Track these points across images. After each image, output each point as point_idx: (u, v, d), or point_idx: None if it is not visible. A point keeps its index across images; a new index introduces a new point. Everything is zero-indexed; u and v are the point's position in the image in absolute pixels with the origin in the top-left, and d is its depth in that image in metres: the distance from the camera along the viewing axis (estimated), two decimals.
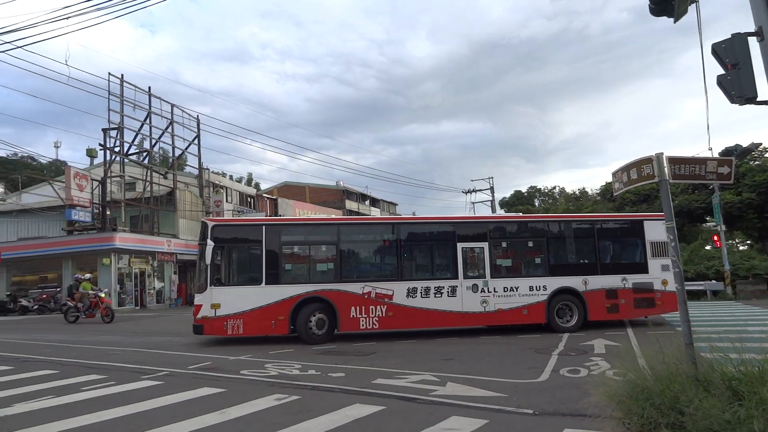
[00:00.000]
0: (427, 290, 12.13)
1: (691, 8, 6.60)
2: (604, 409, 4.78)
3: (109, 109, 30.64)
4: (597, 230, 13.49)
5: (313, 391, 6.87)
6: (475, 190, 44.06)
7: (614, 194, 7.64)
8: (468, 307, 12.25)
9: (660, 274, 13.33)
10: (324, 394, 6.71)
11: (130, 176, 34.15)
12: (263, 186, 65.89)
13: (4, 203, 34.63)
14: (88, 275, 22.20)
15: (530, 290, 12.59)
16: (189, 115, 36.90)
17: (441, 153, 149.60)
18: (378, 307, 11.82)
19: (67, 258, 29.64)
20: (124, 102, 31.50)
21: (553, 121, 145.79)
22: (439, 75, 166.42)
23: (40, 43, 57.86)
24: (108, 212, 31.28)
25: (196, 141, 36.99)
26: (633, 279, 13.14)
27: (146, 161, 34.92)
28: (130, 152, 33.80)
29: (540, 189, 68.19)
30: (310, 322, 11.54)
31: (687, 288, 6.05)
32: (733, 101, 5.72)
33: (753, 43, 5.67)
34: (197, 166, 37.68)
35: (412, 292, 12.03)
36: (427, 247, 13.16)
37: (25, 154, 67.55)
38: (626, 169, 6.08)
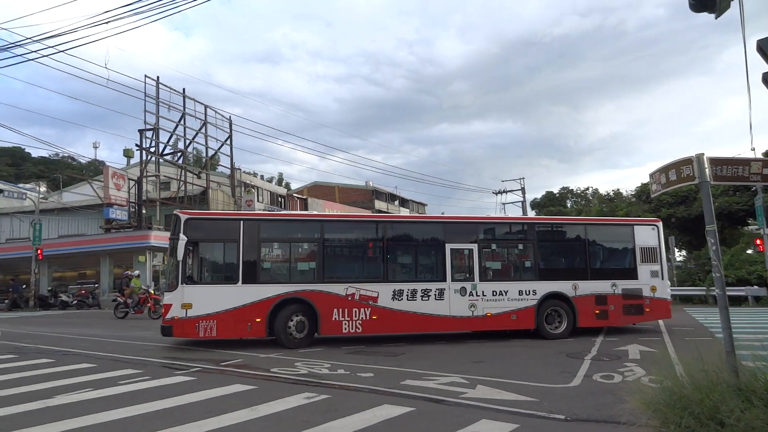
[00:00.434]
0: (413, 293, 11.58)
1: (734, 3, 6.37)
2: (639, 417, 4.67)
3: (145, 111, 31.44)
4: (587, 234, 13.13)
5: (342, 391, 6.91)
6: (505, 191, 43.52)
7: (651, 196, 7.45)
8: (456, 311, 11.76)
9: (649, 280, 13.04)
10: (353, 394, 6.74)
11: (165, 176, 34.97)
12: (293, 186, 66.59)
13: (46, 201, 35.87)
14: (137, 272, 22.83)
15: (519, 294, 12.17)
16: (222, 115, 37.55)
17: (471, 153, 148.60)
18: (362, 309, 11.24)
19: (105, 255, 30.54)
20: (160, 103, 32.23)
21: (587, 120, 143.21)
22: (470, 74, 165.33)
23: (80, 48, 59.76)
24: (144, 211, 32.10)
25: (228, 141, 37.60)
26: (622, 285, 12.83)
27: (180, 161, 35.69)
28: (165, 152, 34.60)
29: (572, 190, 66.98)
30: (290, 324, 10.88)
31: (728, 293, 5.83)
32: None
33: None
34: (229, 166, 38.31)
35: (397, 295, 11.49)
36: (415, 248, 12.57)
37: (66, 155, 70.03)
38: (665, 170, 5.91)
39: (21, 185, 40.02)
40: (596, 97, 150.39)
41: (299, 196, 48.86)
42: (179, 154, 36.42)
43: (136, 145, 32.78)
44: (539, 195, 67.88)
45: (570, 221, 14.39)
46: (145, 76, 31.58)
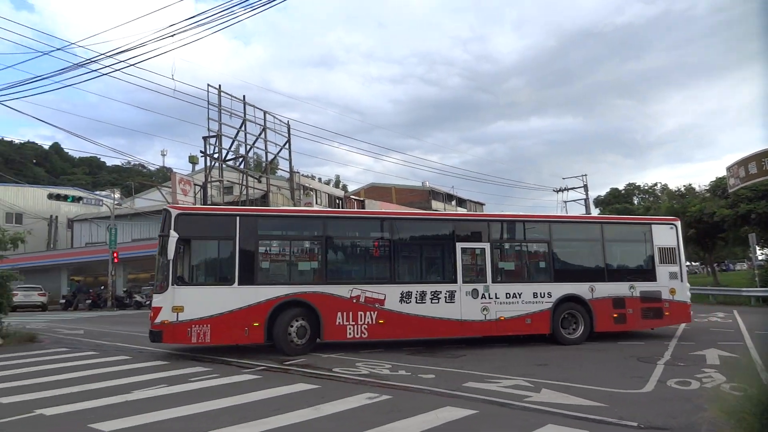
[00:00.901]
0: (422, 295, 10.83)
1: None
2: (720, 426, 4.39)
3: (208, 118, 32.73)
4: (605, 233, 12.37)
5: (404, 392, 6.91)
6: (567, 189, 42.22)
7: (728, 191, 6.99)
8: (467, 315, 11.01)
9: (668, 282, 12.33)
10: (414, 395, 6.72)
11: (227, 180, 36.28)
12: (350, 188, 67.43)
13: (120, 207, 38.08)
14: None
15: (534, 297, 11.44)
16: (280, 120, 38.50)
17: (530, 150, 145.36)
18: (368, 313, 10.46)
19: None
20: (222, 111, 33.47)
21: (655, 112, 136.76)
22: (526, 69, 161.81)
23: (148, 61, 63.05)
24: None
25: (287, 145, 38.53)
26: (641, 287, 12.11)
27: (242, 166, 36.91)
28: (227, 158, 35.88)
29: (639, 186, 64.01)
30: (290, 329, 10.07)
31: None
32: None
33: None
34: (288, 170, 39.25)
35: (406, 297, 10.73)
36: (424, 247, 11.92)
37: (137, 163, 74.05)
38: (744, 162, 5.55)
39: (97, 192, 42.78)
40: (663, 87, 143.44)
41: (356, 197, 49.41)
42: (241, 159, 37.66)
43: (201, 151, 34.18)
44: (603, 192, 65.41)
45: (586, 219, 13.62)
46: (208, 85, 32.88)
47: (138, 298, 29.33)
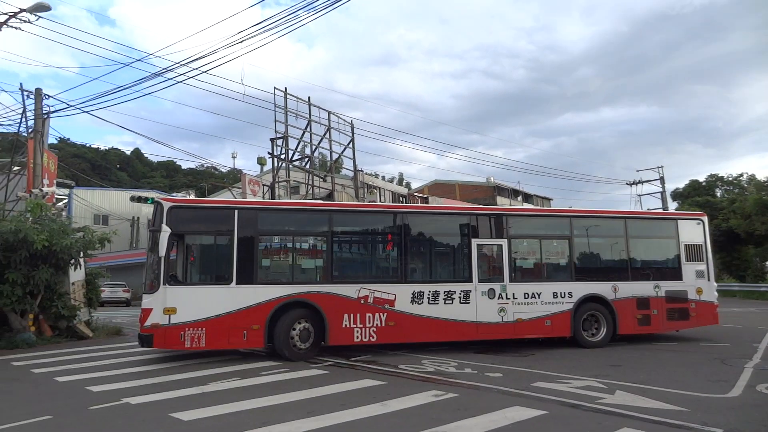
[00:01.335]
0: (435, 295, 10.10)
1: None
2: None
3: (275, 121, 33.73)
4: (628, 229, 11.58)
5: (471, 390, 6.83)
6: (641, 182, 40.23)
7: None
8: (483, 317, 10.28)
9: (694, 281, 11.58)
10: (481, 394, 6.64)
11: (294, 180, 37.26)
12: (414, 185, 67.48)
13: None
14: None
15: (554, 297, 10.72)
16: (344, 120, 39.06)
17: (600, 142, 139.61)
18: (376, 314, 9.74)
19: None
20: (288, 112, 34.41)
21: (739, 97, 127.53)
22: (596, 58, 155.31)
23: (219, 67, 65.94)
24: None
25: (350, 145, 39.09)
26: (666, 286, 11.34)
27: (308, 166, 37.81)
28: (293, 158, 36.88)
29: (722, 177, 59.78)
30: (293, 332, 9.34)
31: None
32: None
33: None
34: (352, 169, 39.80)
35: (417, 297, 10.01)
36: (437, 243, 11.14)
37: (209, 165, 77.61)
38: None
39: (174, 194, 45.15)
40: (749, 71, 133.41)
41: (420, 195, 49.35)
42: (306, 159, 38.60)
43: (268, 153, 35.27)
44: (681, 184, 61.68)
45: (609, 214, 12.67)
46: (275, 88, 33.88)
47: None
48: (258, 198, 33.02)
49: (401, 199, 44.73)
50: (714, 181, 58.92)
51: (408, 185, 67.64)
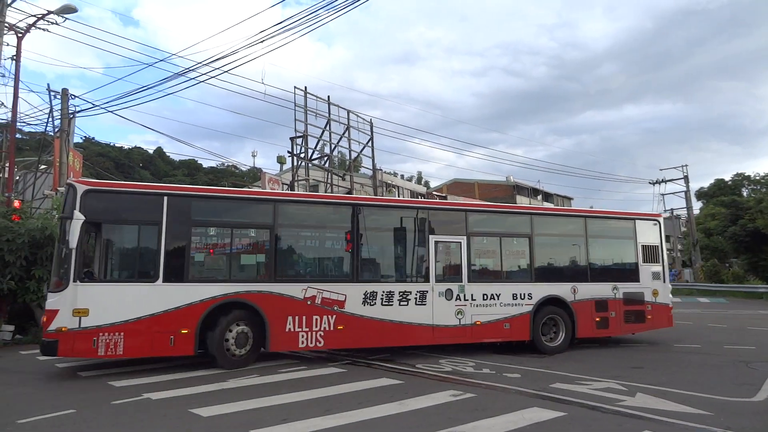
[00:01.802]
0: (389, 296, 9.33)
1: None
2: None
3: (295, 120, 33.93)
4: (588, 228, 11.17)
5: (488, 390, 6.80)
6: (664, 180, 39.55)
7: None
8: (440, 319, 9.58)
9: (651, 282, 11.33)
10: (499, 394, 6.60)
11: (313, 179, 37.44)
12: (433, 184, 67.29)
13: None
14: None
15: (513, 299, 10.16)
16: (363, 119, 39.04)
17: (623, 140, 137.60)
18: (324, 317, 8.87)
19: None
20: (308, 111, 34.60)
21: (766, 94, 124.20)
22: (619, 55, 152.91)
23: (240, 67, 66.48)
24: None
25: (369, 143, 39.16)
26: (624, 288, 11.03)
27: (327, 165, 37.97)
28: (313, 157, 37.08)
29: (749, 176, 58.40)
30: (228, 336, 8.32)
31: None
32: None
33: None
34: (371, 167, 39.86)
35: (370, 298, 9.20)
36: (393, 239, 10.17)
37: (230, 164, 78.46)
38: None
39: None
40: None
41: (439, 193, 49.24)
42: (326, 158, 38.78)
43: (288, 151, 35.46)
44: (706, 183, 60.49)
45: (570, 212, 12.17)
46: (295, 87, 34.03)
47: None
48: None
49: (419, 197, 44.65)
50: (740, 180, 57.59)
51: (427, 184, 67.49)
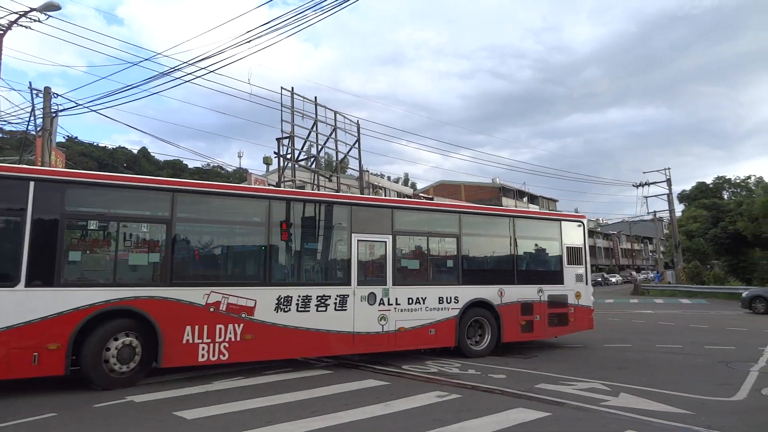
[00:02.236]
0: (306, 300, 8.42)
1: None
2: None
3: (281, 120, 33.74)
4: (515, 229, 10.90)
5: (474, 391, 6.83)
6: (647, 183, 40.13)
7: None
8: (361, 326, 8.82)
9: (574, 284, 11.26)
10: (484, 395, 6.63)
11: (299, 180, 37.22)
12: (419, 185, 67.48)
13: None
14: None
15: (439, 302, 9.64)
16: (350, 120, 38.89)
17: (607, 144, 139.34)
18: (230, 325, 7.76)
19: None
20: (294, 112, 34.49)
21: (748, 99, 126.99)
22: (604, 58, 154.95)
23: (226, 67, 66.08)
24: None
25: (356, 145, 39.12)
26: (548, 290, 10.88)
27: (313, 166, 37.88)
28: (299, 158, 36.94)
29: (730, 180, 59.44)
30: (108, 350, 6.93)
31: None
32: None
33: None
34: (358, 169, 39.85)
35: (284, 304, 8.22)
36: (311, 237, 9.25)
37: (215, 164, 77.92)
38: None
39: None
40: (758, 72, 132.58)
41: (425, 195, 49.36)
42: (312, 159, 38.67)
43: (274, 152, 35.06)
44: (688, 186, 61.42)
45: (497, 211, 11.94)
46: (281, 87, 33.61)
47: None
48: None
49: (406, 199, 44.74)
50: (721, 183, 58.60)
51: (413, 185, 67.68)
